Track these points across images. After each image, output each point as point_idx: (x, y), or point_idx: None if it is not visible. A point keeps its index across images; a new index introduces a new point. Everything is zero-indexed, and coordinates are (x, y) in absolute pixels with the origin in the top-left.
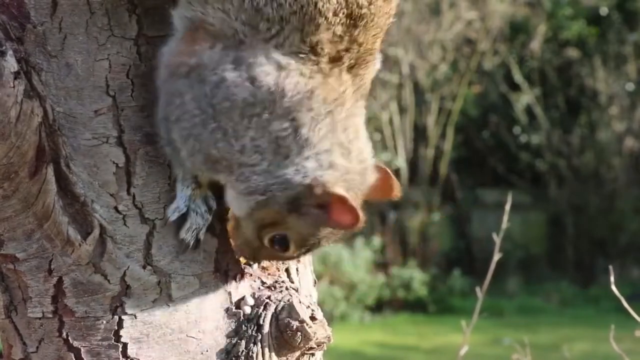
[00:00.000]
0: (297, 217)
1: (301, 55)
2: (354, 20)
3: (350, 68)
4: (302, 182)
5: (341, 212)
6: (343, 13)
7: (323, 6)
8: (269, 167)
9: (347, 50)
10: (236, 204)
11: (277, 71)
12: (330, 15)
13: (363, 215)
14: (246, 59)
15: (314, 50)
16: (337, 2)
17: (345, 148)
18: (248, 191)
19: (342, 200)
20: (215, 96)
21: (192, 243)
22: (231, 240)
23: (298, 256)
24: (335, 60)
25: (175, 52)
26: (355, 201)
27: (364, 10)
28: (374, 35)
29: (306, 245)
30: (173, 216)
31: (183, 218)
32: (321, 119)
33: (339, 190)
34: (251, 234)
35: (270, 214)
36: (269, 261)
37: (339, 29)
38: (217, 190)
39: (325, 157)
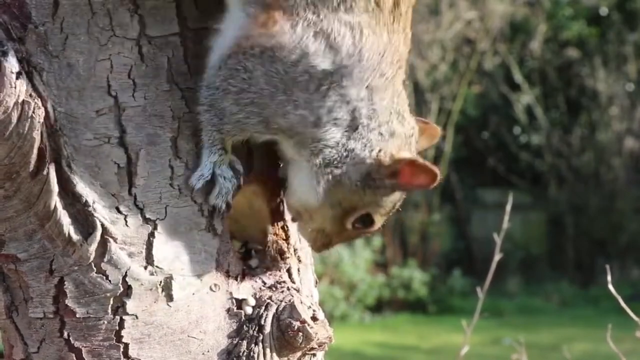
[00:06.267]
0: (373, 192)
1: (369, 12)
2: None
3: (406, 19)
4: (369, 156)
5: (415, 173)
6: None
7: None
8: (341, 139)
9: None
10: (311, 185)
11: (352, 32)
12: None
13: (437, 170)
14: (324, 30)
15: (377, 3)
16: None
17: (401, 114)
18: (325, 163)
19: (412, 163)
20: (289, 73)
21: (223, 207)
22: (304, 236)
23: (380, 227)
24: (394, 7)
25: (249, 33)
26: (424, 160)
27: None
28: None
29: (386, 213)
30: (198, 184)
31: (210, 184)
32: (388, 85)
33: (406, 154)
34: (330, 223)
35: (346, 195)
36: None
37: None
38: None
39: (386, 128)
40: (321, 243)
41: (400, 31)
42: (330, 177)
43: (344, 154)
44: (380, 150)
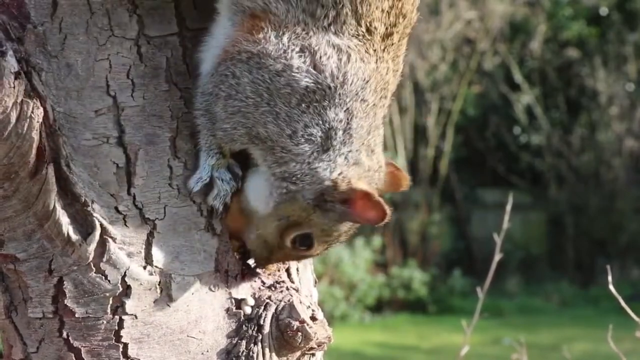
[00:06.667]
0: (322, 214)
1: (359, 38)
2: None
3: (397, 49)
4: (328, 177)
5: (366, 207)
6: None
7: None
8: (309, 158)
9: (394, 25)
10: (263, 194)
11: (339, 55)
12: None
13: (388, 209)
14: (312, 47)
15: (369, 30)
16: None
17: (371, 149)
18: (283, 176)
19: (366, 195)
20: (274, 82)
21: (220, 209)
22: (247, 244)
23: (319, 254)
24: (386, 37)
25: (234, 40)
26: (379, 196)
27: None
28: (412, 4)
29: (328, 242)
30: (196, 187)
31: (208, 187)
32: (369, 112)
33: (363, 185)
34: (272, 234)
35: (295, 210)
36: (282, 263)
37: (386, 4)
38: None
39: (353, 155)
40: (262, 256)
41: (390, 60)
42: (284, 191)
43: (306, 172)
44: (340, 174)
